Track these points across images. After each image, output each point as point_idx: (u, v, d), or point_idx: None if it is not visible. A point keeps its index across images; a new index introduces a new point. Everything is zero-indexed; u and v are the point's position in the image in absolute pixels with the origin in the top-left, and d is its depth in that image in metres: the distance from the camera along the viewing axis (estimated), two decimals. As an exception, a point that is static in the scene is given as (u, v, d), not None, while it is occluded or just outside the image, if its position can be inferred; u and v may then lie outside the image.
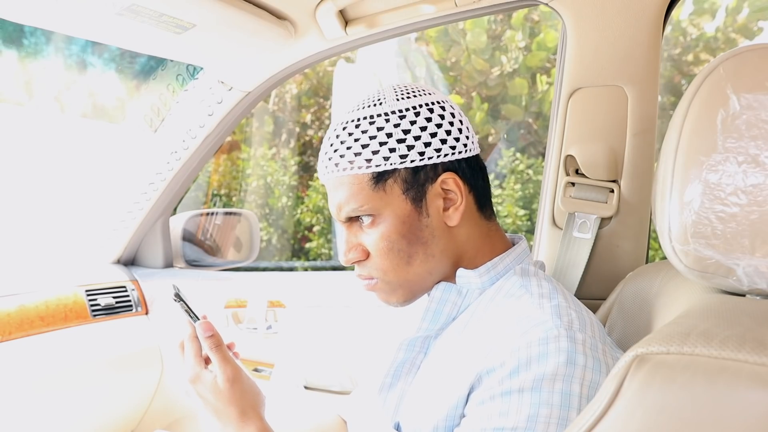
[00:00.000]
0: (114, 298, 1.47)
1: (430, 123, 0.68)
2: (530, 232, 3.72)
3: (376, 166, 0.68)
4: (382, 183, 0.69)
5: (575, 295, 0.99)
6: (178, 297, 0.81)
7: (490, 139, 3.97)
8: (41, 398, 1.30)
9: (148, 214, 1.55)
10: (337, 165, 0.70)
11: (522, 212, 3.75)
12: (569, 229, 1.00)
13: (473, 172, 0.72)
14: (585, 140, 0.99)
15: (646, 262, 0.99)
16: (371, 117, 0.69)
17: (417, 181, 0.69)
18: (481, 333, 0.65)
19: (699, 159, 0.49)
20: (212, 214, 1.84)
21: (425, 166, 0.69)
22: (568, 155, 1.01)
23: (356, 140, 0.69)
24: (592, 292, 1.00)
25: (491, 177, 3.81)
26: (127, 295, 1.51)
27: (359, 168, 0.69)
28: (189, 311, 0.80)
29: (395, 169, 0.68)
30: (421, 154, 0.68)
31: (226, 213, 1.99)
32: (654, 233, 0.68)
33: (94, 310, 1.41)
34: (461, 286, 0.72)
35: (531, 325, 0.61)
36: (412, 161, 0.68)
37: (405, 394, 0.72)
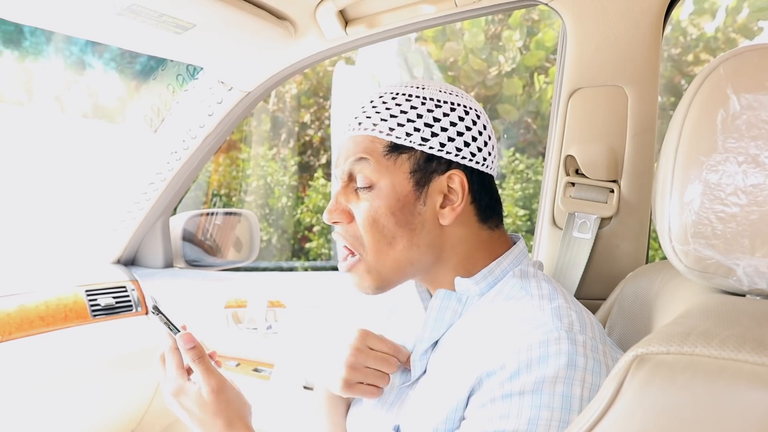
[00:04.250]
0: (114, 298, 1.47)
1: (461, 122, 0.70)
2: (530, 232, 3.72)
3: (396, 137, 0.69)
4: (395, 155, 0.69)
5: (575, 295, 0.99)
6: (157, 309, 0.80)
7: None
8: (41, 398, 1.30)
9: (148, 214, 1.55)
10: (360, 124, 0.71)
11: (522, 212, 3.75)
12: (569, 229, 1.00)
13: (482, 188, 0.72)
14: (585, 140, 0.99)
15: (646, 262, 0.99)
16: (409, 95, 0.70)
17: (428, 168, 0.70)
18: (482, 336, 0.65)
19: (699, 159, 0.49)
20: (212, 214, 1.84)
21: (441, 157, 0.70)
22: (568, 155, 1.01)
23: (387, 108, 0.70)
24: (592, 292, 1.00)
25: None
26: (127, 295, 1.51)
27: (380, 132, 0.70)
28: (168, 323, 0.79)
29: (412, 148, 0.69)
30: (442, 145, 0.69)
31: (226, 213, 1.99)
32: (654, 233, 0.68)
33: (94, 310, 1.41)
34: (460, 293, 0.71)
35: (531, 327, 0.60)
36: (430, 147, 0.69)
37: (407, 398, 0.71)
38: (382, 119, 0.70)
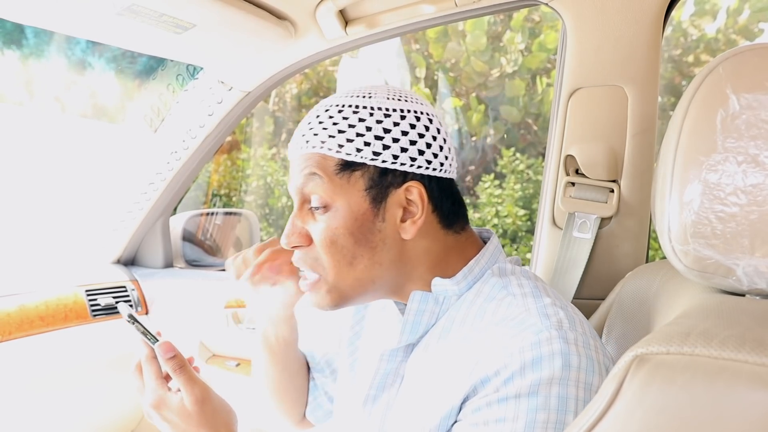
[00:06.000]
0: (114, 298, 1.47)
1: (413, 130, 0.66)
2: (530, 232, 3.72)
3: (347, 154, 0.65)
4: (348, 173, 0.66)
5: (575, 295, 0.99)
6: (132, 318, 0.76)
7: (488, 140, 3.97)
8: (41, 398, 1.30)
9: (148, 214, 1.55)
10: (308, 142, 0.67)
11: (522, 212, 3.75)
12: (569, 229, 1.00)
13: (442, 194, 0.69)
14: (585, 140, 0.99)
15: (646, 262, 0.99)
16: (356, 107, 0.67)
17: (383, 183, 0.66)
18: (468, 340, 0.64)
19: (699, 159, 0.49)
20: (212, 214, 1.84)
21: (395, 170, 0.66)
22: (568, 155, 1.01)
23: (334, 124, 0.66)
24: (591, 292, 1.00)
25: (491, 177, 3.82)
26: (127, 295, 1.51)
27: (329, 150, 0.65)
28: (145, 332, 0.75)
29: (364, 164, 0.66)
30: (395, 157, 0.65)
31: (226, 213, 1.99)
32: (654, 233, 0.68)
33: (94, 310, 1.41)
34: (438, 294, 0.69)
35: (520, 329, 0.59)
36: (383, 161, 0.65)
37: (391, 404, 0.70)
38: (330, 135, 0.66)
